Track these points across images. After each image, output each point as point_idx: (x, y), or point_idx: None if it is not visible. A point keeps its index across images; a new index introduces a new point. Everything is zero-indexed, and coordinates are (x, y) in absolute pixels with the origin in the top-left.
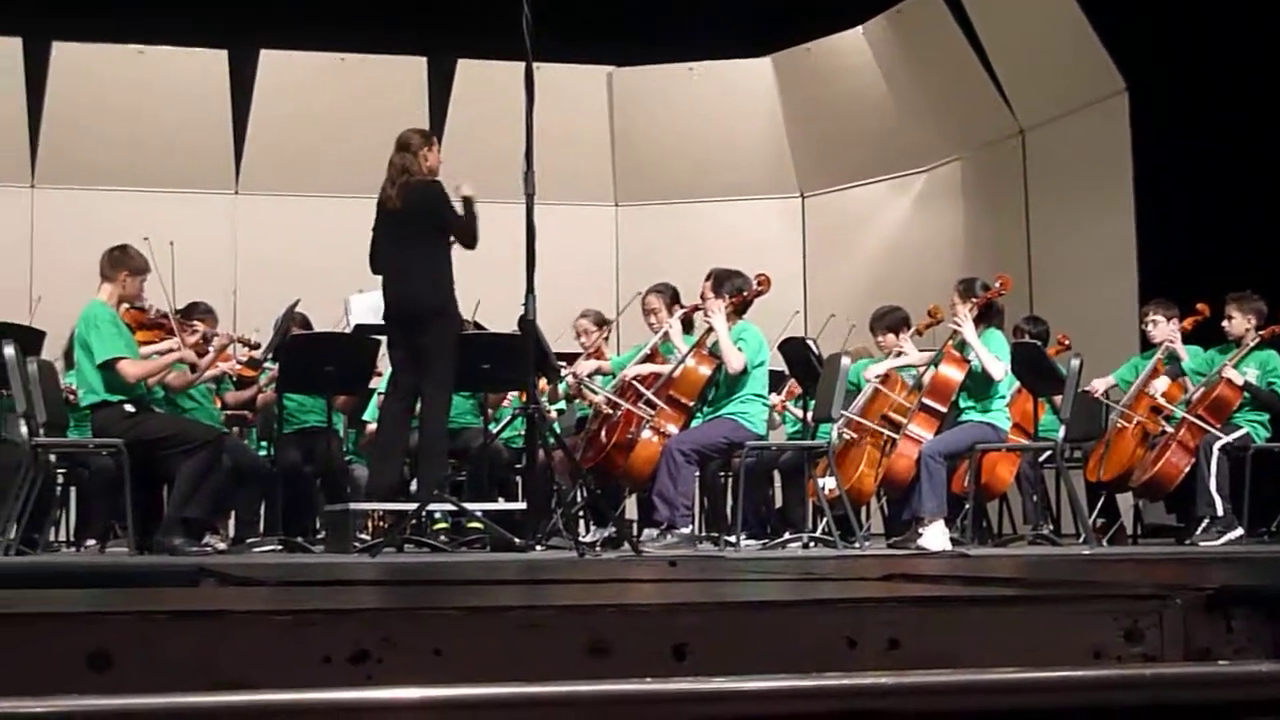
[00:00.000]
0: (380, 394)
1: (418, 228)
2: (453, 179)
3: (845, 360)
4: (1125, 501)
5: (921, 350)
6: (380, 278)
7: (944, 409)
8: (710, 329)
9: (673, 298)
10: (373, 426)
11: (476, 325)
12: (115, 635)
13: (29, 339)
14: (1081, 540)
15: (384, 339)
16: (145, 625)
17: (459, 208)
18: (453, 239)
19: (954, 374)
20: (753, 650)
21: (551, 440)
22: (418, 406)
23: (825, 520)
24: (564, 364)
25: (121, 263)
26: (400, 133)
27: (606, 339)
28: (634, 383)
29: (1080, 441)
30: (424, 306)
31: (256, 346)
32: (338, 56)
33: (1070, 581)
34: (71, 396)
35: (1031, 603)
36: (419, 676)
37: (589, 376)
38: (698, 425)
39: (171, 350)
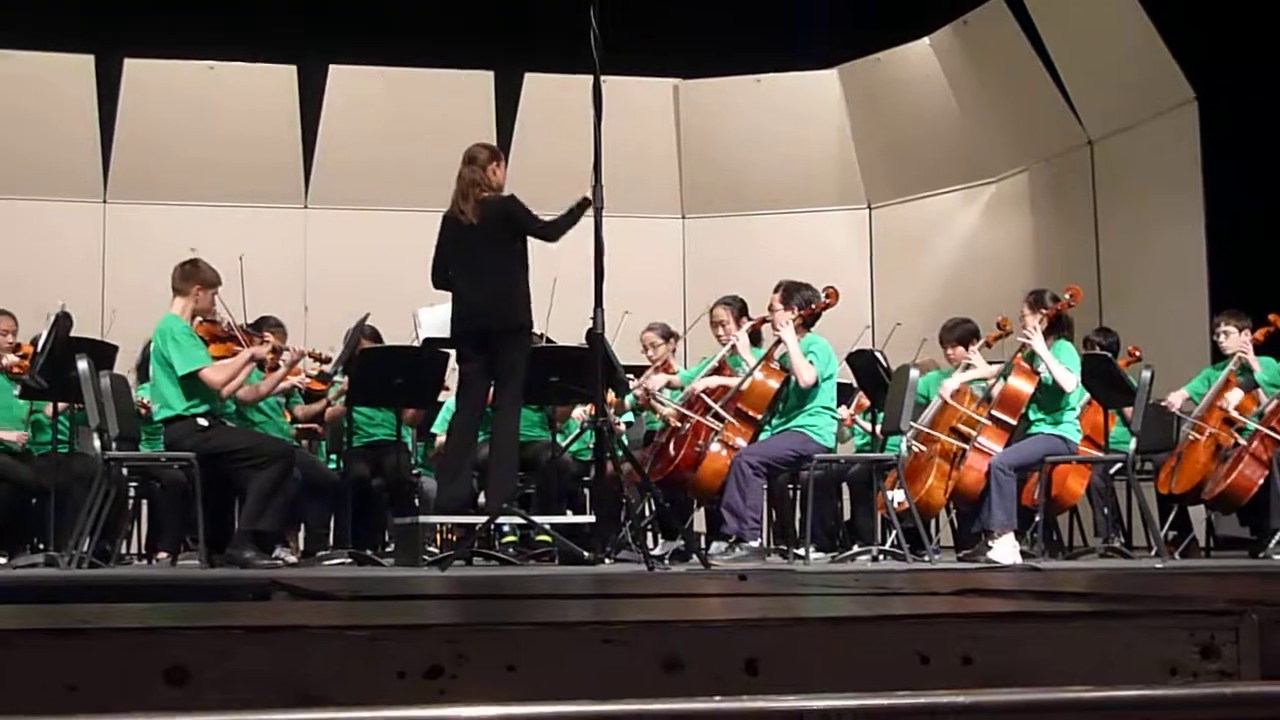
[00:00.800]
0: (449, 407)
1: (495, 242)
2: (521, 192)
3: (914, 372)
4: (1197, 514)
5: (990, 362)
6: (444, 291)
7: (1014, 421)
8: (778, 342)
9: (740, 310)
10: (441, 439)
11: (546, 339)
12: (192, 650)
13: (102, 353)
14: (1153, 553)
15: (452, 352)
16: (222, 640)
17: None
18: (531, 239)
19: (1024, 386)
20: (825, 666)
21: (620, 453)
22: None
23: (894, 533)
24: (632, 377)
25: (193, 276)
26: (468, 147)
27: (674, 352)
28: (702, 395)
29: (1152, 453)
30: (503, 321)
31: (326, 360)
32: (406, 71)
33: (1144, 596)
34: (144, 410)
35: (1105, 617)
36: (492, 692)
37: (658, 389)
38: (766, 438)
39: (247, 356)
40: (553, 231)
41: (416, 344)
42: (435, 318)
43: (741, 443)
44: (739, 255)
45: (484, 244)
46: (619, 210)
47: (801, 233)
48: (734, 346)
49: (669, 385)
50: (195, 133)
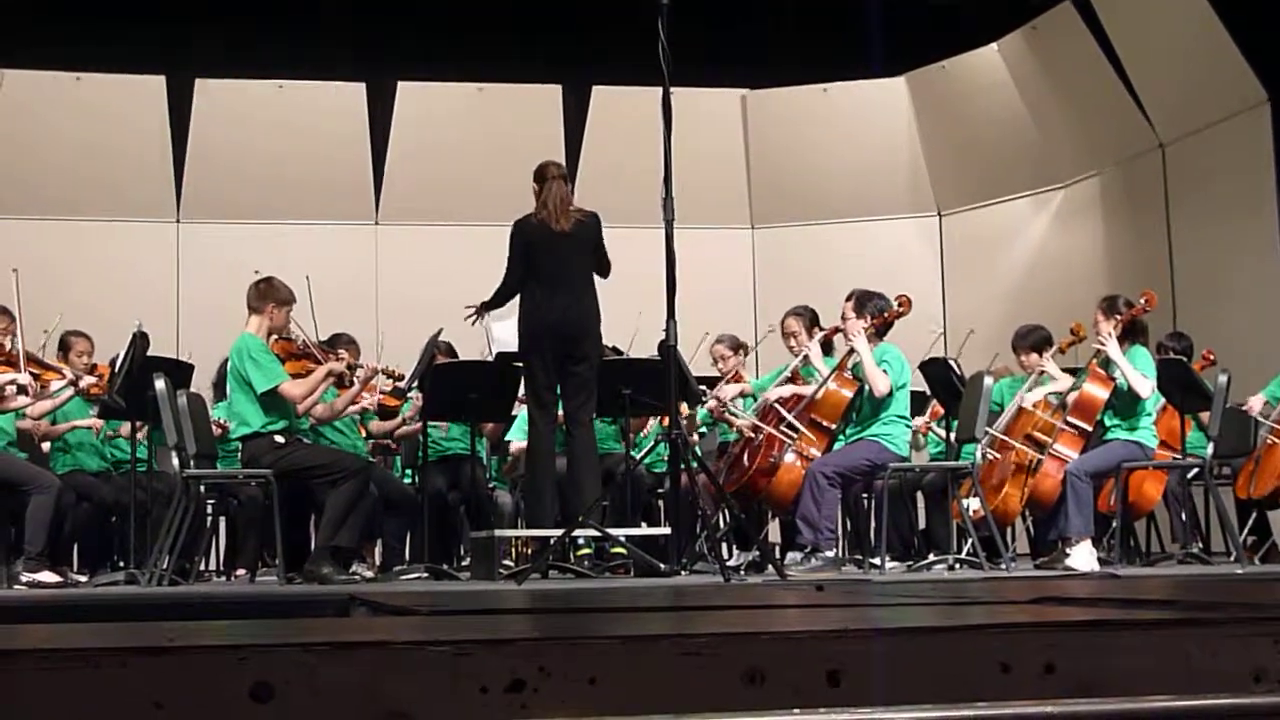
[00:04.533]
0: (523, 419)
1: (584, 255)
2: (591, 205)
3: (988, 380)
4: (1277, 518)
5: (1064, 369)
6: (511, 303)
7: (1089, 427)
8: (851, 351)
9: (812, 320)
10: (517, 445)
11: (614, 350)
12: (277, 667)
13: (178, 373)
14: (1233, 559)
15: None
16: (306, 656)
17: None
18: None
19: (1099, 392)
20: (907, 676)
21: (694, 465)
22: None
23: (970, 541)
24: (704, 389)
25: (268, 295)
26: (550, 162)
27: (744, 363)
28: (776, 406)
29: (1229, 458)
30: (590, 332)
31: (400, 377)
32: (474, 86)
33: (1226, 603)
34: (221, 429)
35: (1187, 625)
36: (574, 706)
37: (731, 400)
38: (840, 448)
39: (325, 371)
40: (605, 269)
41: (490, 358)
42: (507, 331)
43: (816, 453)
44: (809, 265)
45: (574, 254)
46: (688, 221)
47: (872, 241)
48: (806, 357)
49: (742, 395)
50: (265, 152)
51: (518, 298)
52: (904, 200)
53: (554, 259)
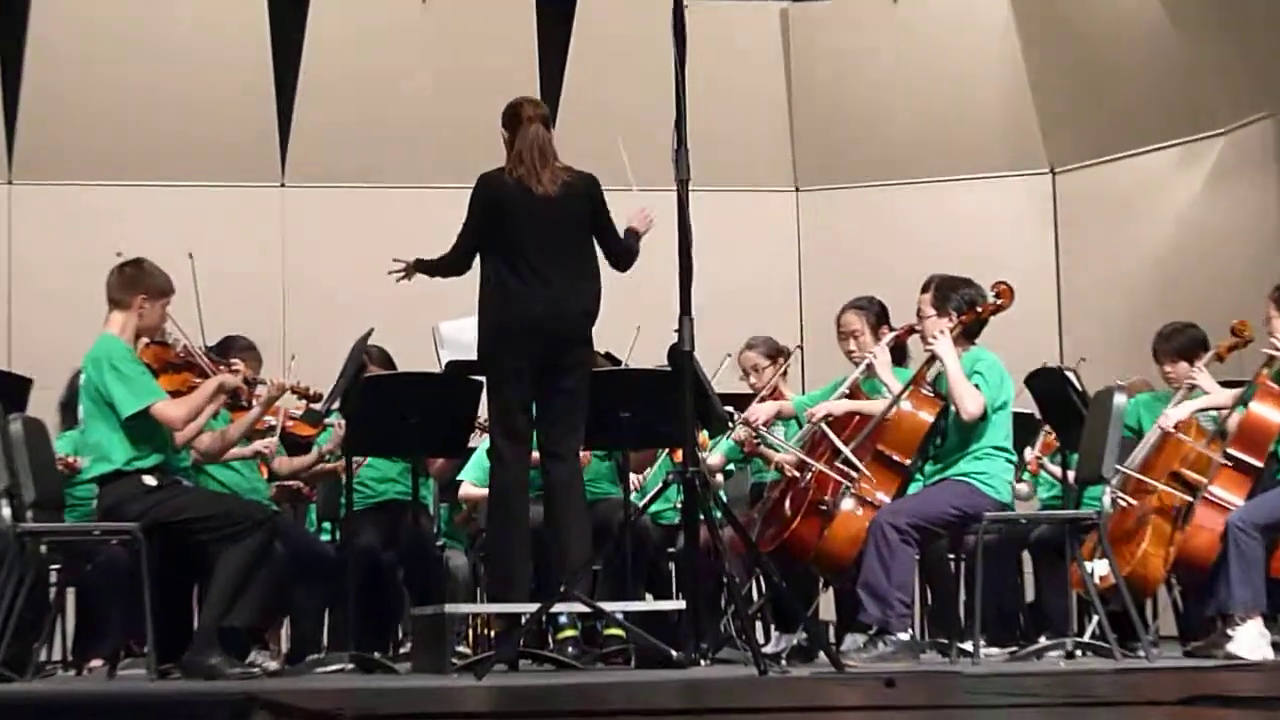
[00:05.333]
0: (483, 453)
1: (576, 225)
2: (573, 159)
3: (1119, 398)
4: None
5: (1223, 383)
6: (484, 284)
7: (1258, 463)
8: (931, 359)
9: (878, 317)
10: (473, 489)
11: (609, 358)
12: None
13: (8, 389)
14: None
15: (483, 377)
16: None
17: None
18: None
19: (1272, 415)
20: None
21: (718, 514)
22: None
23: (1096, 619)
24: (731, 410)
25: (137, 283)
26: (518, 100)
27: (785, 375)
28: (829, 433)
29: None
30: (583, 333)
31: (316, 397)
32: None
33: None
34: (69, 467)
35: None
36: None
37: (767, 426)
38: (917, 491)
39: (214, 386)
40: (624, 259)
41: (438, 369)
42: (461, 334)
43: (884, 498)
44: (872, 242)
45: (562, 226)
46: (709, 183)
47: (956, 209)
48: (870, 366)
49: (782, 418)
50: (122, 91)
51: (481, 286)
52: (1003, 153)
53: (534, 232)
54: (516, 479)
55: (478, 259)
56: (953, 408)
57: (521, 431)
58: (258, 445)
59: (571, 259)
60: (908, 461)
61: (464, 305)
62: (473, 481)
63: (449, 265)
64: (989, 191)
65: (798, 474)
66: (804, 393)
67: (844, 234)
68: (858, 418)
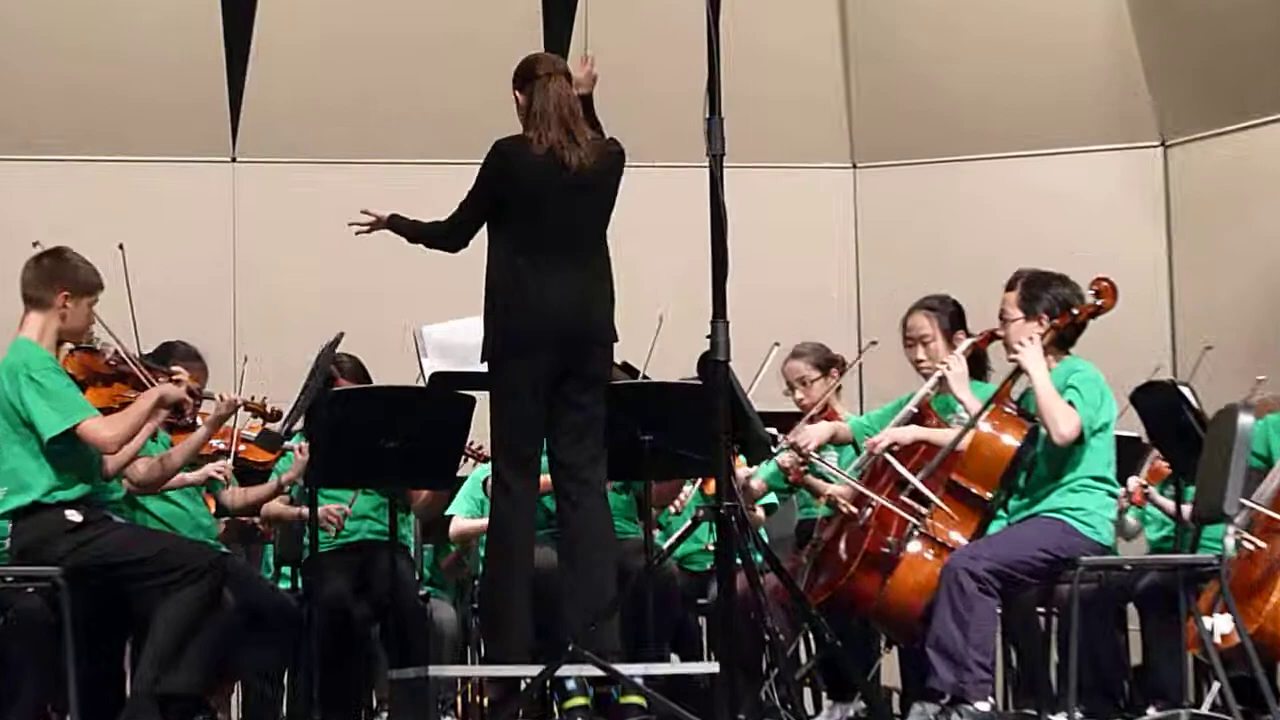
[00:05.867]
0: (476, 482)
1: (603, 212)
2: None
3: (1244, 418)
4: None
5: None
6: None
7: None
8: (1017, 371)
9: (953, 320)
10: (465, 524)
11: (626, 368)
12: None
13: None
14: None
15: (479, 394)
16: None
17: None
18: None
19: None
20: None
21: (758, 557)
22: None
23: (1217, 687)
24: (774, 432)
25: (58, 276)
26: (533, 56)
27: (839, 390)
28: (892, 461)
29: None
30: (608, 336)
31: (275, 415)
32: None
33: None
34: None
35: None
36: None
37: (818, 451)
38: (1000, 530)
39: (154, 399)
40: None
41: (421, 382)
42: (451, 339)
43: (959, 538)
44: (942, 226)
45: (590, 209)
46: (750, 158)
47: (1044, 189)
48: (943, 380)
49: (836, 443)
50: (47, 47)
51: (489, 277)
52: (1102, 121)
53: (562, 213)
54: (523, 513)
55: (472, 245)
56: (1042, 430)
57: (531, 456)
58: (209, 469)
59: (593, 251)
60: (988, 495)
61: (455, 302)
62: (464, 516)
63: (435, 236)
64: (1084, 167)
65: (854, 510)
66: (861, 411)
67: (908, 218)
68: (925, 444)
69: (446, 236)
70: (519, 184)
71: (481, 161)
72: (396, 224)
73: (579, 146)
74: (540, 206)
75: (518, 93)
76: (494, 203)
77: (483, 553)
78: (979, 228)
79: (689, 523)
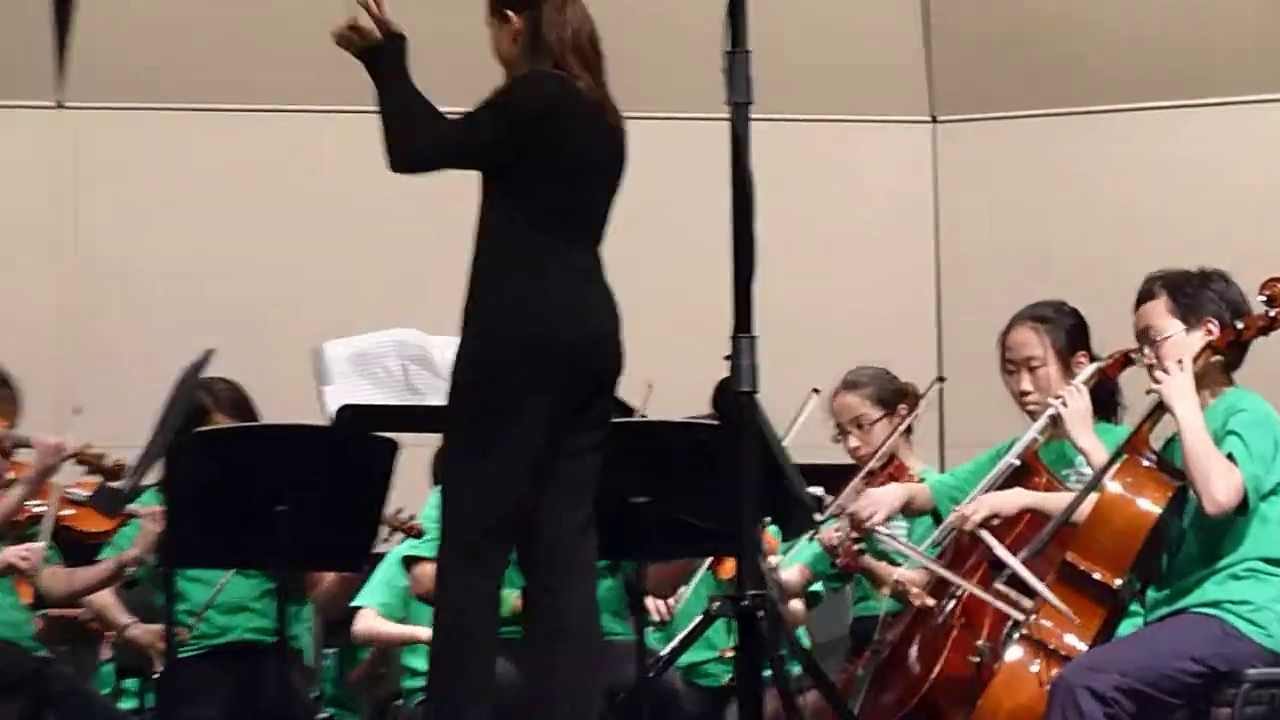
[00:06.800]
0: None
1: (612, 196)
2: None
3: None
4: None
5: None
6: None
7: None
8: (1157, 408)
9: (1070, 335)
10: (378, 629)
11: (617, 404)
12: None
13: None
14: None
15: (401, 437)
16: None
17: None
18: None
19: None
20: None
21: (795, 668)
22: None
23: None
24: (820, 492)
25: None
26: None
27: (909, 433)
28: (985, 536)
29: None
30: (618, 357)
31: (115, 471)
32: None
33: None
34: None
35: None
36: None
37: (879, 522)
38: (1132, 633)
39: None
40: None
41: (326, 421)
42: (366, 357)
43: (1077, 643)
44: (1050, 196)
45: (617, 179)
46: (791, 109)
47: (1181, 151)
48: (1056, 420)
49: (910, 512)
50: None
51: (500, 265)
52: (1245, 70)
53: (598, 191)
54: (487, 600)
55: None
56: (1192, 494)
57: (510, 520)
58: (9, 555)
59: (602, 236)
60: (1116, 582)
61: (378, 304)
62: (379, 611)
63: (415, 127)
64: (1228, 122)
65: (931, 602)
66: (941, 463)
67: (1002, 185)
68: (1029, 514)
69: (427, 141)
70: (570, 138)
71: (506, 90)
72: (390, 61)
73: (609, 99)
74: (585, 176)
75: (510, 13)
76: (518, 154)
77: (414, 662)
78: (1099, 198)
79: (698, 619)
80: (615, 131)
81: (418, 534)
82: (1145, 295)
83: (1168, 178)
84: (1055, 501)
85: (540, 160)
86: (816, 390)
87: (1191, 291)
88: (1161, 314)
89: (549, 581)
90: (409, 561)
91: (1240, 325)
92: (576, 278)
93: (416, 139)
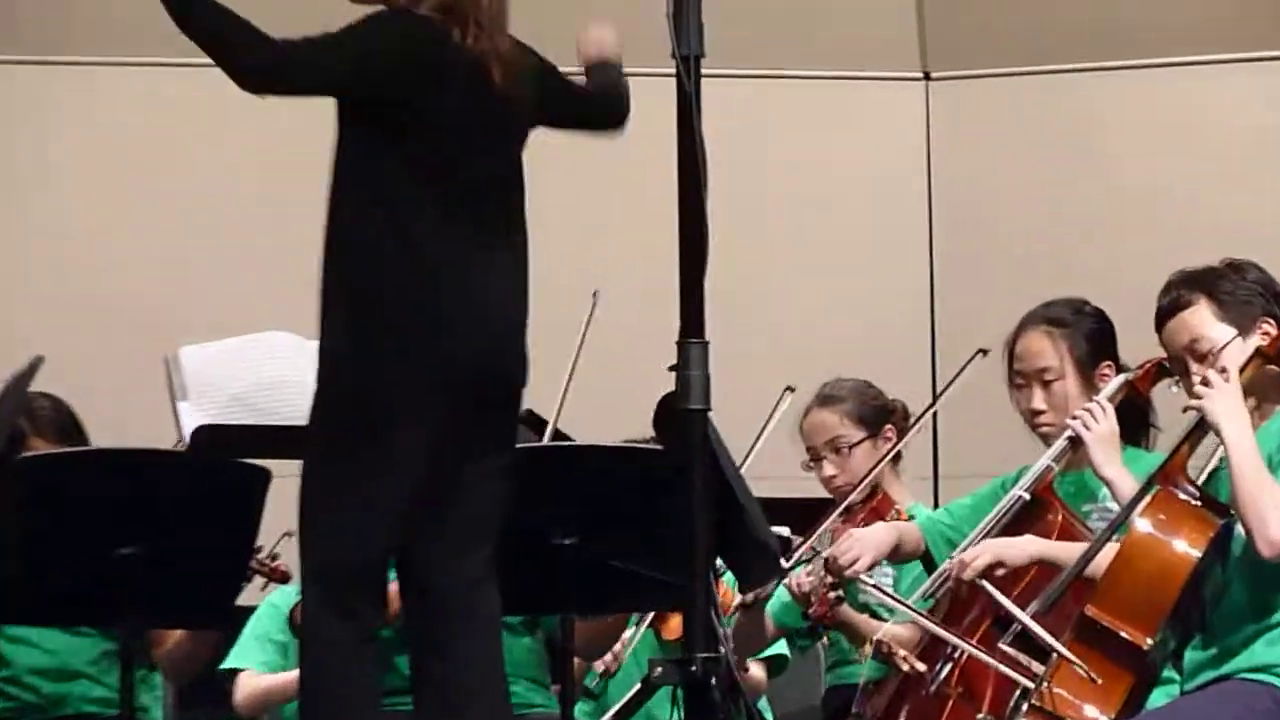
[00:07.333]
0: (289, 611)
1: (519, 159)
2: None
3: None
4: None
5: None
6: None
7: None
8: (1198, 426)
9: (1093, 342)
10: (264, 681)
11: (529, 421)
12: None
13: None
14: None
15: (276, 464)
16: None
17: None
18: None
19: None
20: None
21: None
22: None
23: None
24: (786, 532)
25: None
26: None
27: (897, 460)
28: (987, 587)
29: None
30: (521, 361)
31: None
32: None
33: None
34: None
35: None
36: None
37: (860, 570)
38: (1166, 704)
39: None
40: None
41: (181, 445)
42: (228, 368)
43: (1098, 715)
44: (1059, 162)
45: (513, 149)
46: (755, 62)
47: (1215, 115)
48: (1076, 443)
49: (894, 556)
50: None
51: (356, 246)
52: (1266, 19)
53: (482, 155)
54: (356, 657)
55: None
56: (1239, 531)
57: (381, 566)
58: None
59: (515, 225)
60: (1147, 642)
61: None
62: (257, 670)
63: (234, 32)
64: (1218, 82)
65: (921, 667)
66: (935, 498)
67: (1003, 151)
68: (1040, 564)
69: (266, 45)
70: (444, 90)
71: (351, 25)
72: None
73: (501, 53)
74: (453, 135)
75: None
76: (368, 89)
77: None
78: (1118, 166)
79: (636, 689)
80: (507, 96)
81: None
82: (1178, 304)
83: (1181, 139)
84: (1072, 551)
85: (395, 108)
86: (791, 389)
87: (1231, 289)
88: (1208, 320)
89: (438, 642)
90: (294, 610)
91: None
92: (463, 277)
93: (256, 45)
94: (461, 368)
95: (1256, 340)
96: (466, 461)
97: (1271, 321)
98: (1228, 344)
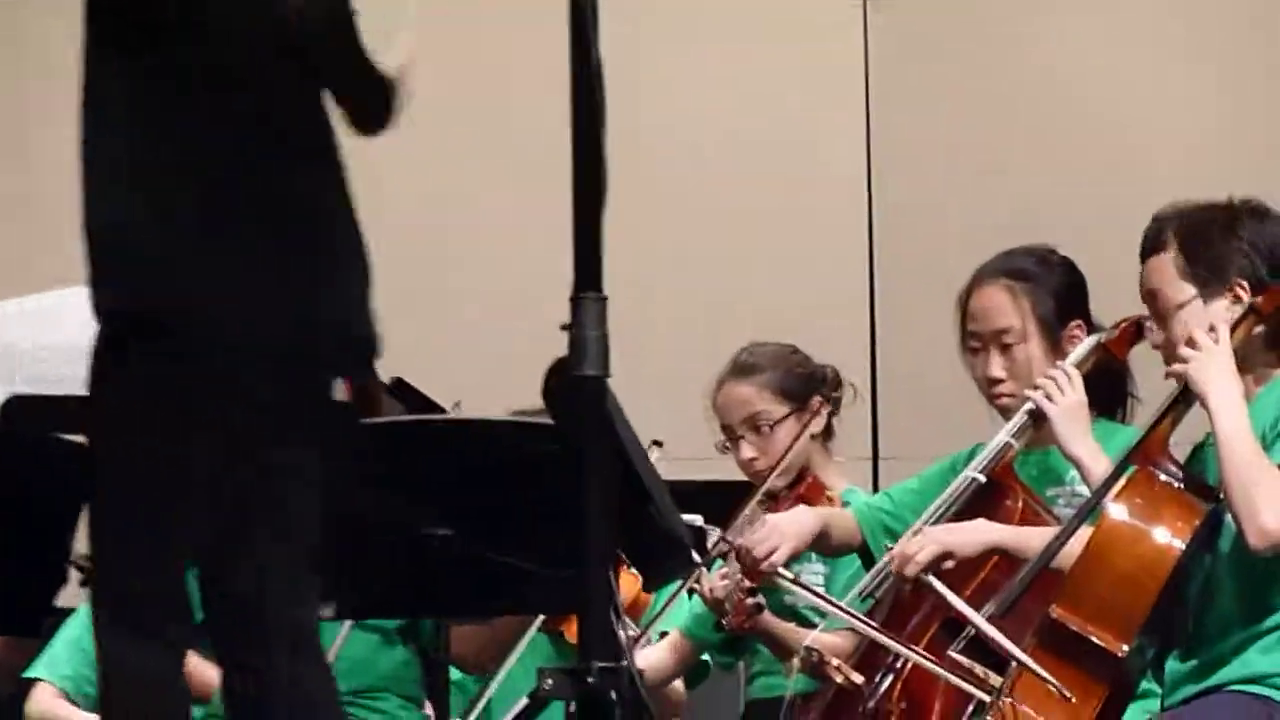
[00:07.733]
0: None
1: (307, 105)
2: None
3: None
4: None
5: None
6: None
7: None
8: (1179, 400)
9: (1060, 298)
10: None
11: (398, 390)
12: None
13: None
14: None
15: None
16: None
17: None
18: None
19: None
20: None
21: None
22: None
23: None
24: (700, 521)
25: None
26: None
27: (828, 438)
28: (936, 585)
29: None
30: (349, 328)
31: None
32: None
33: None
34: None
35: None
36: None
37: (789, 566)
38: (1148, 719)
39: None
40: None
41: None
42: (47, 328)
43: None
44: (1024, 115)
45: (286, 107)
46: None
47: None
48: (1038, 416)
49: (823, 548)
50: None
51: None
52: None
53: (216, 79)
54: (155, 677)
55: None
56: (1229, 520)
57: (177, 573)
58: None
59: (303, 183)
60: (1123, 649)
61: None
62: (57, 689)
63: None
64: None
65: (859, 680)
66: (874, 483)
67: (964, 95)
68: (998, 552)
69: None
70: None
71: None
72: None
73: None
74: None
75: None
76: None
77: None
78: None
79: (524, 703)
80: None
81: None
82: (1152, 243)
83: (1149, 58)
84: (1035, 541)
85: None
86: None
87: (1210, 240)
88: (1169, 274)
89: (246, 658)
90: None
91: None
92: (211, 243)
93: None
94: (256, 338)
95: (1224, 304)
96: (254, 434)
97: (1245, 285)
98: (1184, 304)
